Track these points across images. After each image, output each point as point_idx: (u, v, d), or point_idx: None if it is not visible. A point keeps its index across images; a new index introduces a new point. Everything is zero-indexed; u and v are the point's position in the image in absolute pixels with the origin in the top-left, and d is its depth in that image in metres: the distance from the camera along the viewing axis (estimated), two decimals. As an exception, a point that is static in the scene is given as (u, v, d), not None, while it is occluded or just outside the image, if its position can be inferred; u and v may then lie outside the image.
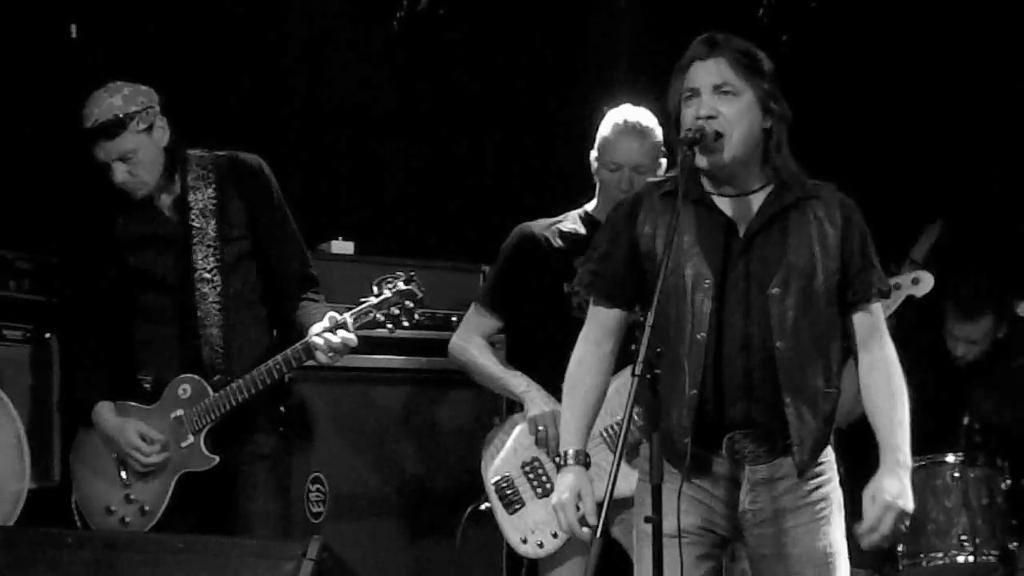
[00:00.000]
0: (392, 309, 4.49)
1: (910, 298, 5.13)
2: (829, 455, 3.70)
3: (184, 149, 4.73)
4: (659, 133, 4.70)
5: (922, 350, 5.71)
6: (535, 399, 4.65)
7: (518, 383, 4.74)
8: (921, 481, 5.35)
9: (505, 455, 4.67)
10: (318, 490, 5.28)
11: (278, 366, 4.54)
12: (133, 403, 4.68)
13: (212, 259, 4.65)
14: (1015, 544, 5.28)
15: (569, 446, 3.72)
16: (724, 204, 3.65)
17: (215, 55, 5.86)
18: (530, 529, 4.62)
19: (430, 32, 6.29)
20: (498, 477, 4.66)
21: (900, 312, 5.04)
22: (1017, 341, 6.03)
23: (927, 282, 5.15)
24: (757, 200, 3.66)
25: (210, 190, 4.70)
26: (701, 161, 3.58)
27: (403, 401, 5.50)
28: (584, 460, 3.70)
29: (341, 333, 4.47)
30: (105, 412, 4.66)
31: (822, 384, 3.60)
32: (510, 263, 4.81)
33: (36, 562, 4.07)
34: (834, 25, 6.82)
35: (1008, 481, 5.31)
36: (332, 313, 4.53)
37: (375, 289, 4.52)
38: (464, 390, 5.37)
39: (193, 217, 4.67)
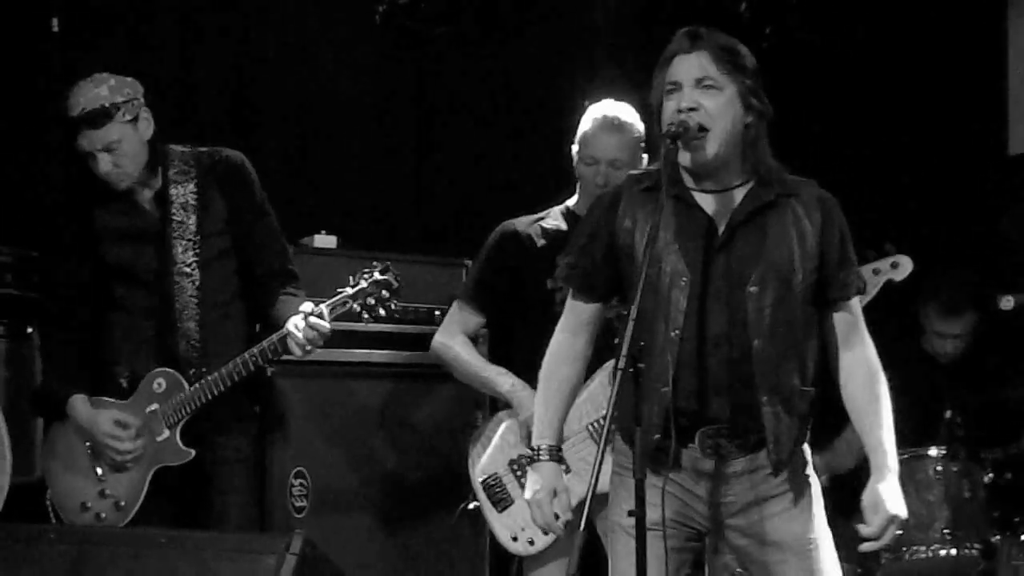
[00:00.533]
0: (368, 299, 4.49)
1: (889, 282, 5.12)
2: (805, 449, 3.72)
3: (166, 144, 4.72)
4: (639, 128, 4.70)
5: (903, 344, 5.71)
6: (523, 400, 4.63)
7: (503, 381, 4.73)
8: (903, 475, 5.23)
9: (492, 453, 4.66)
10: (301, 484, 5.27)
11: (253, 358, 4.53)
12: (107, 398, 4.67)
13: (191, 254, 4.65)
14: (997, 537, 5.29)
15: (543, 440, 3.74)
16: (704, 200, 3.65)
17: (195, 49, 5.85)
18: (520, 527, 4.61)
19: (412, 25, 6.27)
20: (485, 476, 4.65)
21: (879, 300, 5.03)
22: (995, 333, 6.05)
23: (906, 265, 5.15)
24: (737, 196, 3.65)
25: (191, 185, 4.69)
26: (684, 157, 3.57)
27: (386, 396, 5.49)
28: (557, 455, 3.73)
29: (313, 321, 4.45)
30: (79, 404, 4.64)
31: (798, 383, 3.61)
32: (492, 260, 4.81)
33: (16, 557, 4.07)
34: (816, 19, 6.83)
35: (990, 475, 5.32)
36: (306, 303, 4.52)
37: (351, 279, 4.52)
38: (447, 385, 5.35)
39: (174, 211, 4.66)
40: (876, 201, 6.64)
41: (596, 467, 3.27)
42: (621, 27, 6.54)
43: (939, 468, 5.33)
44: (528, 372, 4.58)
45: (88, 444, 4.67)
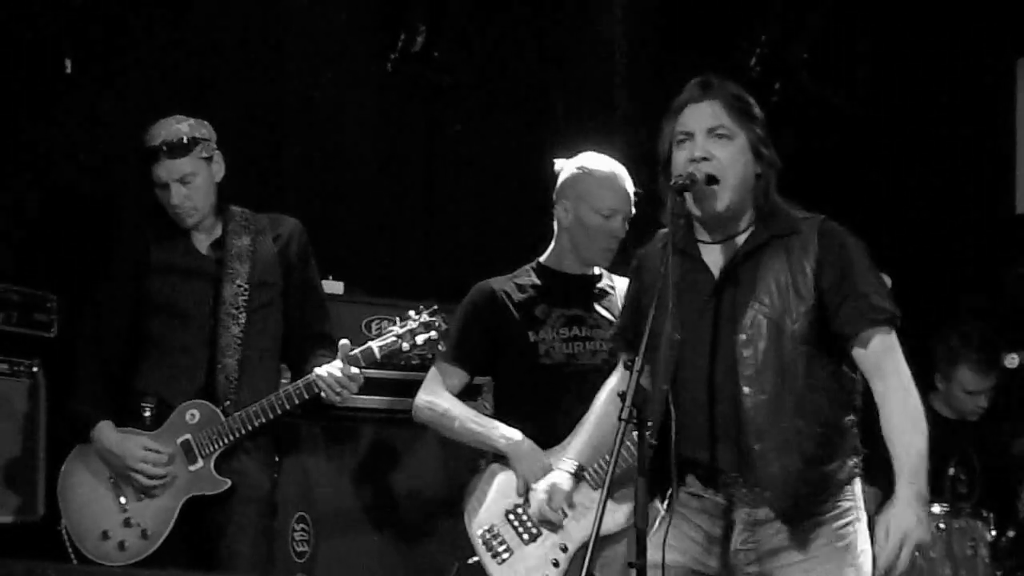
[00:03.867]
0: (416, 339, 4.69)
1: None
2: (841, 493, 3.58)
3: (227, 203, 4.89)
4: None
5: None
6: (520, 451, 4.58)
7: (497, 435, 4.66)
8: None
9: (488, 505, 4.62)
10: (303, 530, 5.27)
11: (298, 391, 4.64)
12: (133, 428, 4.68)
13: (241, 298, 4.77)
14: (998, 595, 5.29)
15: (572, 458, 4.10)
16: (709, 251, 3.64)
17: (209, 96, 5.88)
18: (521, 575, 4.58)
19: (424, 74, 6.30)
20: (482, 529, 4.60)
21: None
22: (1000, 391, 6.05)
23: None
24: (737, 244, 3.64)
25: (247, 239, 4.83)
26: (694, 209, 3.57)
27: (388, 442, 5.49)
28: (579, 472, 4.08)
29: (350, 369, 4.61)
30: (107, 430, 4.66)
31: (800, 423, 3.50)
32: (471, 317, 4.77)
33: (18, 595, 4.06)
34: (826, 75, 6.87)
35: (993, 532, 5.31)
36: (345, 341, 4.67)
37: (399, 320, 4.72)
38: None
39: (230, 258, 4.79)
40: (883, 258, 6.64)
41: (599, 513, 3.29)
42: (634, 82, 6.57)
43: (942, 525, 5.32)
44: (516, 424, 4.59)
45: (110, 474, 4.67)
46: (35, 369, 5.10)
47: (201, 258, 4.82)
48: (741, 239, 3.63)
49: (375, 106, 6.36)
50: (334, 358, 4.71)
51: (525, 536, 4.54)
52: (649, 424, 3.38)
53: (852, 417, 3.61)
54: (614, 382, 3.98)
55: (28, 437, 5.06)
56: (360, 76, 6.32)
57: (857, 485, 3.62)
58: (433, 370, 4.81)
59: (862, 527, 3.61)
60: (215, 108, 5.87)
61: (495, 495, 4.62)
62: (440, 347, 4.71)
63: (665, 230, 3.71)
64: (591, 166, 4.77)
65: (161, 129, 4.72)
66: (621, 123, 6.40)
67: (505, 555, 4.56)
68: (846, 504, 3.59)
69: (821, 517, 3.56)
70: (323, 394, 4.63)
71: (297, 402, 4.65)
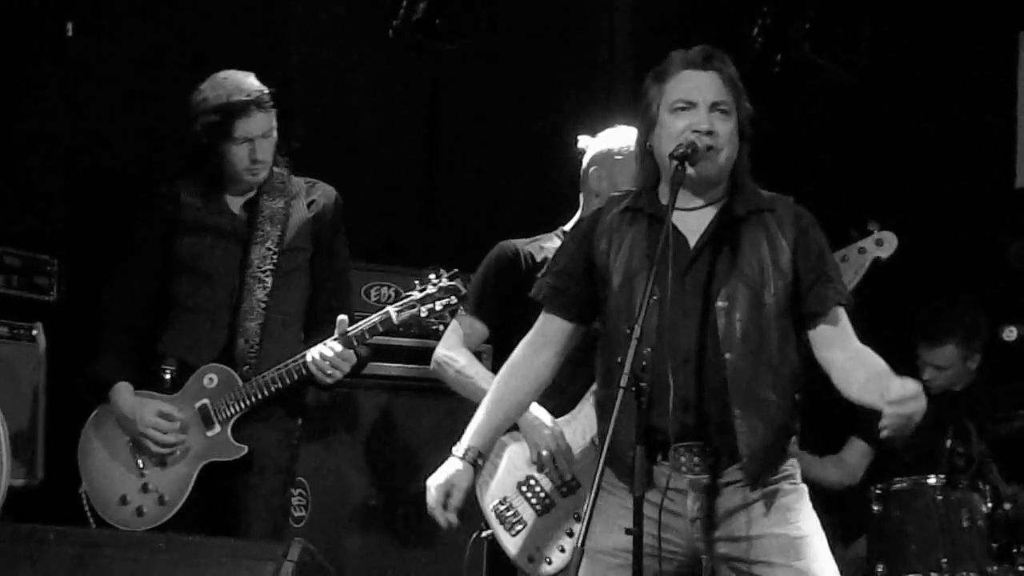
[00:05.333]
0: (436, 304, 4.60)
1: (876, 261, 4.95)
2: (789, 462, 3.66)
3: None
4: None
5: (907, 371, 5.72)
6: (531, 422, 4.53)
7: None
8: (903, 503, 5.37)
9: (500, 478, 4.59)
10: (300, 495, 5.28)
11: (295, 370, 4.61)
12: (152, 391, 4.68)
13: (269, 262, 4.73)
14: (995, 568, 5.28)
15: (468, 440, 3.80)
16: (680, 218, 3.62)
17: (210, 64, 5.86)
18: (536, 547, 4.54)
19: (425, 40, 6.29)
20: (495, 501, 4.57)
21: (866, 283, 4.91)
22: (998, 364, 6.07)
23: (891, 242, 4.94)
24: (710, 213, 3.65)
25: (281, 202, 4.79)
26: (691, 172, 3.56)
27: (387, 408, 5.50)
28: (473, 458, 3.78)
29: (337, 347, 4.57)
30: (124, 392, 4.65)
31: (773, 396, 3.56)
32: (493, 273, 4.73)
33: (17, 558, 4.08)
34: (828, 46, 6.86)
35: (989, 505, 5.32)
36: (343, 317, 4.62)
37: (418, 284, 4.63)
38: (448, 398, 5.35)
39: (260, 220, 4.75)
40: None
41: (595, 483, 3.29)
42: (636, 46, 6.57)
43: (939, 497, 5.33)
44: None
45: (129, 438, 4.67)
46: (35, 333, 5.10)
47: (232, 218, 4.78)
48: (713, 210, 3.65)
49: (377, 73, 6.35)
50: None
51: (539, 507, 4.51)
52: (643, 387, 3.36)
53: (799, 397, 3.67)
54: (520, 354, 3.86)
55: (29, 401, 5.06)
56: (362, 43, 6.30)
57: (794, 457, 3.71)
58: (454, 323, 4.75)
59: (805, 489, 3.68)
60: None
61: (506, 466, 4.58)
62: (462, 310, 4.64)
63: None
64: (629, 139, 4.75)
65: (240, 83, 4.69)
66: (625, 89, 6.39)
67: (519, 527, 4.52)
68: (791, 469, 3.67)
69: (775, 484, 3.62)
70: (315, 376, 4.61)
71: (297, 378, 4.63)
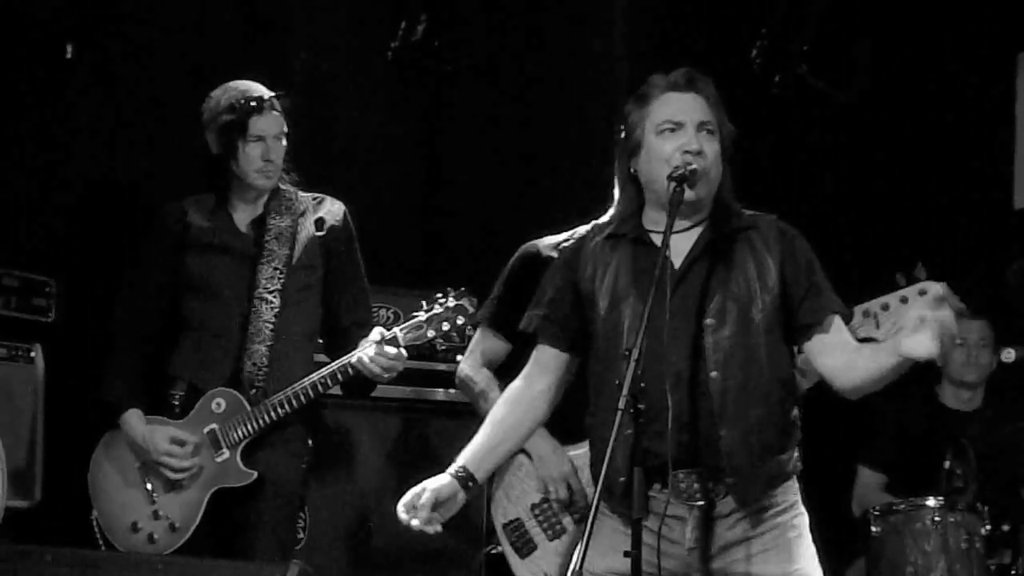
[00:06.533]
0: (443, 324, 4.56)
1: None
2: (789, 485, 3.63)
3: None
4: None
5: (912, 390, 5.72)
6: (539, 452, 4.49)
7: None
8: (901, 524, 5.36)
9: (514, 497, 4.58)
10: (299, 516, 5.27)
11: (323, 380, 4.58)
12: (161, 417, 4.65)
13: (276, 281, 4.68)
14: (993, 589, 5.29)
15: (459, 459, 3.72)
16: (660, 239, 3.58)
17: (210, 85, 5.88)
18: (543, 572, 4.54)
19: (425, 62, 6.30)
20: (507, 520, 4.56)
21: None
22: (997, 386, 6.08)
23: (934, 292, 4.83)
24: (695, 234, 3.64)
25: (288, 220, 4.75)
26: (689, 194, 3.55)
27: (387, 431, 5.49)
28: (459, 475, 3.68)
29: (390, 349, 4.52)
30: (135, 419, 4.63)
31: (763, 413, 3.53)
32: (514, 283, 4.61)
33: (15, 579, 4.07)
34: (827, 67, 6.87)
35: (988, 526, 5.32)
36: (376, 329, 4.58)
37: (424, 304, 4.59)
38: (449, 421, 5.37)
39: (267, 239, 4.72)
40: (881, 251, 6.66)
41: (593, 508, 3.28)
42: (633, 68, 6.57)
43: (937, 518, 5.32)
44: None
45: (139, 463, 4.65)
46: (33, 354, 5.11)
47: (240, 236, 4.75)
48: (698, 230, 3.64)
49: (376, 95, 6.36)
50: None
51: (550, 532, 4.50)
52: (641, 409, 3.35)
53: (797, 412, 3.66)
54: (516, 384, 3.82)
55: (27, 422, 5.06)
56: (361, 65, 6.32)
57: (797, 481, 3.66)
58: (477, 334, 4.68)
59: (806, 519, 3.64)
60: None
61: (521, 487, 4.56)
62: (469, 331, 4.62)
63: (598, 222, 3.78)
64: None
65: (249, 86, 4.69)
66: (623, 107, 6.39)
67: (528, 550, 4.50)
68: (792, 497, 3.63)
69: (773, 509, 3.58)
70: (367, 372, 4.55)
71: (322, 390, 4.60)
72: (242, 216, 4.77)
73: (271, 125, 4.67)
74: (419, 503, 3.64)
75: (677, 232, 3.59)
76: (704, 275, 3.60)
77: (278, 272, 4.68)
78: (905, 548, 5.34)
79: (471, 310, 4.56)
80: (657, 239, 3.56)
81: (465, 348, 4.77)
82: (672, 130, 3.59)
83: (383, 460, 5.48)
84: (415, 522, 3.64)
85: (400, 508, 3.67)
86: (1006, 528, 5.33)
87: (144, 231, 4.88)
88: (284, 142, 4.71)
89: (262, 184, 4.71)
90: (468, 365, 4.66)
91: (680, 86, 3.62)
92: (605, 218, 3.81)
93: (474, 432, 4.75)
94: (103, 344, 4.77)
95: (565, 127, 6.48)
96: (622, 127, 3.67)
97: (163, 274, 4.73)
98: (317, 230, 4.79)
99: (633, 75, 6.61)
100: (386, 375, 4.58)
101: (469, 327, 4.62)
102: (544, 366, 3.78)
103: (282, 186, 4.80)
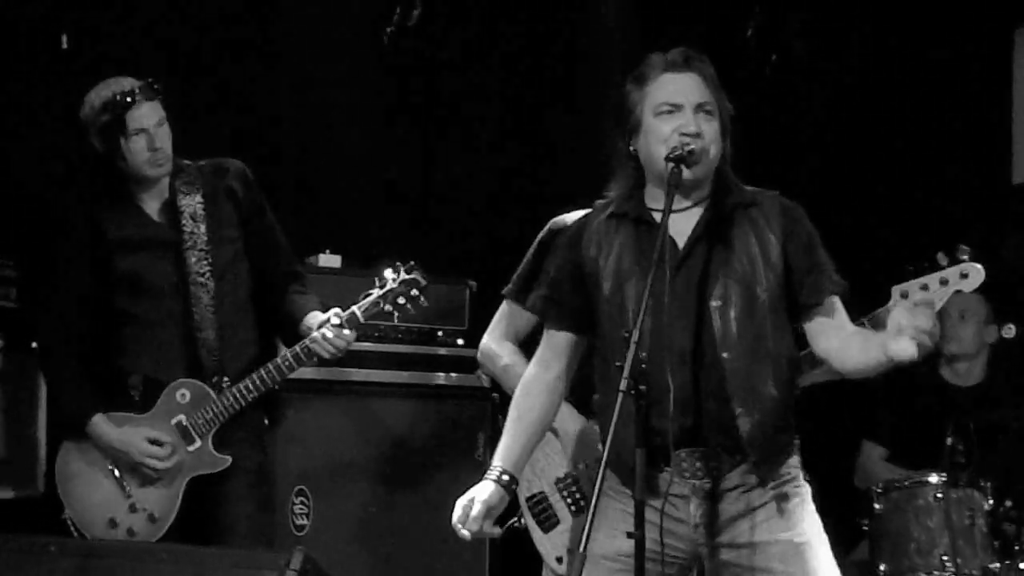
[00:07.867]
0: (398, 299, 4.61)
1: (957, 293, 4.66)
2: (792, 458, 3.65)
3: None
4: None
5: (907, 370, 5.71)
6: (568, 428, 4.45)
7: None
8: (903, 501, 5.36)
9: (539, 470, 4.56)
10: (302, 503, 5.28)
11: (287, 362, 4.60)
12: (124, 413, 4.65)
13: (205, 263, 4.67)
14: (996, 565, 5.29)
15: (497, 462, 3.71)
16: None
17: (203, 71, 5.87)
18: (565, 546, 4.53)
19: (420, 46, 6.29)
20: (531, 494, 4.54)
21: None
22: (998, 362, 6.09)
23: (976, 276, 4.56)
24: (696, 213, 3.64)
25: (198, 196, 4.73)
26: (687, 174, 3.56)
27: (388, 416, 5.49)
28: (503, 479, 3.67)
29: (347, 332, 4.57)
30: (103, 424, 4.61)
31: (773, 390, 3.56)
32: (541, 257, 4.40)
33: (18, 570, 4.07)
34: (822, 45, 6.87)
35: (990, 502, 5.32)
36: (334, 310, 4.61)
37: (377, 281, 4.62)
38: (449, 405, 5.37)
39: (184, 222, 4.69)
40: (878, 228, 6.66)
41: (597, 489, 3.28)
42: (628, 51, 6.57)
43: (939, 495, 5.32)
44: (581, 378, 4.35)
45: (110, 462, 4.64)
46: (32, 344, 5.08)
47: (155, 226, 4.72)
48: (698, 210, 3.64)
49: (371, 80, 6.35)
50: (307, 293, 4.75)
51: (574, 508, 4.46)
52: (643, 390, 3.36)
53: (796, 392, 3.68)
54: (532, 372, 3.82)
55: (28, 411, 5.06)
56: (356, 50, 6.31)
57: (798, 453, 3.69)
58: (502, 308, 4.61)
59: (808, 489, 3.67)
60: (209, 83, 5.88)
61: (546, 461, 4.52)
62: (423, 301, 4.64)
63: (600, 201, 3.76)
64: None
65: (119, 84, 4.63)
66: (618, 92, 6.39)
67: (551, 524, 4.49)
68: (794, 470, 3.66)
69: (776, 481, 3.60)
70: (324, 353, 4.59)
71: (287, 372, 4.62)
72: (152, 205, 4.73)
73: (149, 114, 4.62)
74: (472, 515, 3.63)
75: (679, 211, 3.60)
76: (706, 254, 3.60)
77: (204, 254, 4.68)
78: (908, 525, 5.34)
79: (424, 283, 4.62)
80: (659, 218, 3.56)
81: (420, 320, 4.84)
82: (670, 112, 3.58)
83: (385, 445, 5.48)
84: (470, 532, 3.64)
85: (455, 522, 3.65)
86: (1008, 504, 5.33)
87: (53, 236, 4.83)
88: (166, 126, 4.65)
89: (156, 173, 4.68)
90: (492, 339, 4.60)
91: (678, 66, 3.61)
92: (606, 198, 3.80)
93: (475, 418, 4.78)
94: (40, 358, 4.78)
95: (562, 111, 6.47)
96: (621, 106, 3.66)
97: (83, 275, 4.68)
98: (228, 199, 4.78)
99: (628, 57, 6.61)
100: (339, 355, 4.63)
101: (422, 299, 4.64)
102: (556, 349, 3.78)
103: (179, 160, 4.76)
